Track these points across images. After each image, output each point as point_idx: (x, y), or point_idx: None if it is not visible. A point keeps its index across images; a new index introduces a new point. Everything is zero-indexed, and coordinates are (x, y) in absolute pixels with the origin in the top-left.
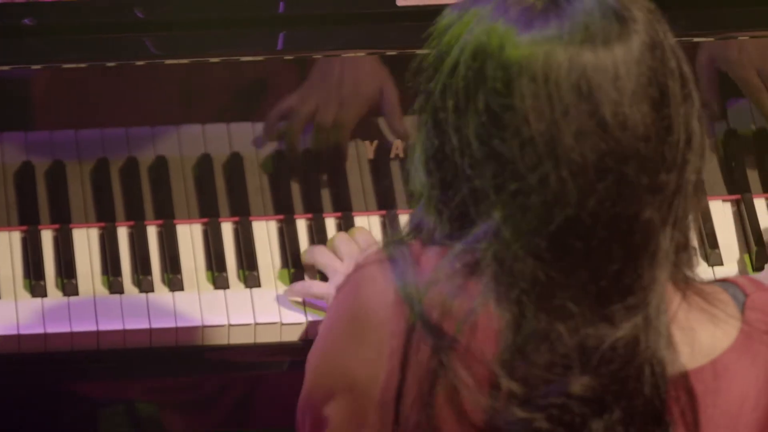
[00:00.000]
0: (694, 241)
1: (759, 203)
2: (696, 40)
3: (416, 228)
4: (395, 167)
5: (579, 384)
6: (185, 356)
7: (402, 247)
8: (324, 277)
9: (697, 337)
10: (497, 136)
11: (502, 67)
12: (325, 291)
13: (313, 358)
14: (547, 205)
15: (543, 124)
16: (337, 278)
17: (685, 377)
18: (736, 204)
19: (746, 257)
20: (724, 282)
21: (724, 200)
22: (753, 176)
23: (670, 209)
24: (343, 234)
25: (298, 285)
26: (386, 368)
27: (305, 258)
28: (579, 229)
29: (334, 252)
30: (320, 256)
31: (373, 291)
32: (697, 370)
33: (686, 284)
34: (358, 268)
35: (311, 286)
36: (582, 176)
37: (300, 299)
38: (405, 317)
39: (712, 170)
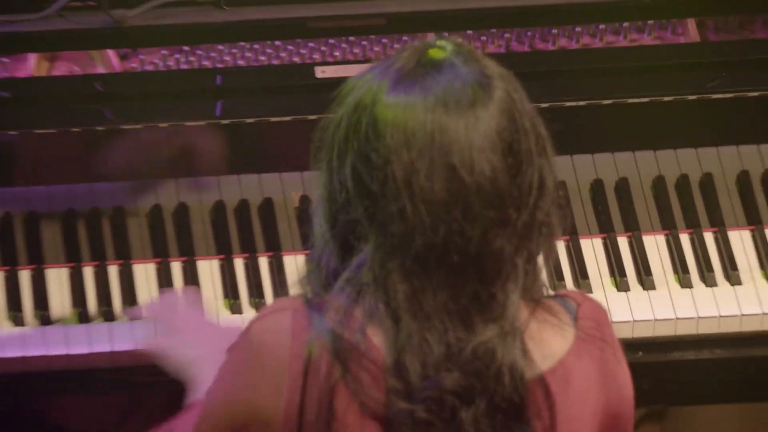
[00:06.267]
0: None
1: (621, 240)
2: (568, 104)
3: (317, 263)
4: None
5: (450, 380)
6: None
7: (301, 295)
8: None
9: (545, 344)
10: (367, 174)
11: (372, 118)
12: (162, 347)
13: (215, 402)
14: (407, 232)
15: (401, 165)
16: (173, 340)
17: (541, 379)
18: (603, 240)
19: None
20: (556, 296)
21: (593, 238)
22: (617, 218)
23: (521, 242)
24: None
25: (145, 340)
26: (286, 397)
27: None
28: (436, 253)
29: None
30: (160, 311)
31: (269, 341)
32: (549, 371)
33: (535, 302)
34: (251, 325)
35: (151, 340)
36: (433, 208)
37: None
38: (303, 351)
39: (579, 212)
